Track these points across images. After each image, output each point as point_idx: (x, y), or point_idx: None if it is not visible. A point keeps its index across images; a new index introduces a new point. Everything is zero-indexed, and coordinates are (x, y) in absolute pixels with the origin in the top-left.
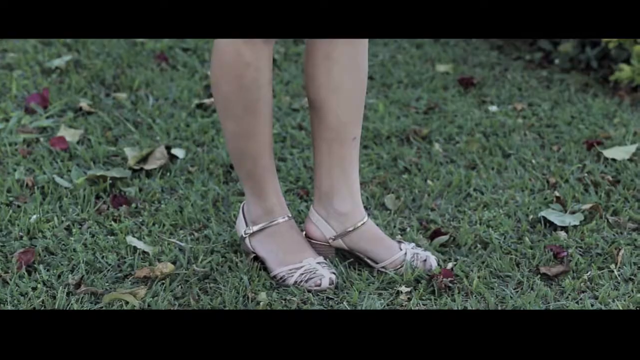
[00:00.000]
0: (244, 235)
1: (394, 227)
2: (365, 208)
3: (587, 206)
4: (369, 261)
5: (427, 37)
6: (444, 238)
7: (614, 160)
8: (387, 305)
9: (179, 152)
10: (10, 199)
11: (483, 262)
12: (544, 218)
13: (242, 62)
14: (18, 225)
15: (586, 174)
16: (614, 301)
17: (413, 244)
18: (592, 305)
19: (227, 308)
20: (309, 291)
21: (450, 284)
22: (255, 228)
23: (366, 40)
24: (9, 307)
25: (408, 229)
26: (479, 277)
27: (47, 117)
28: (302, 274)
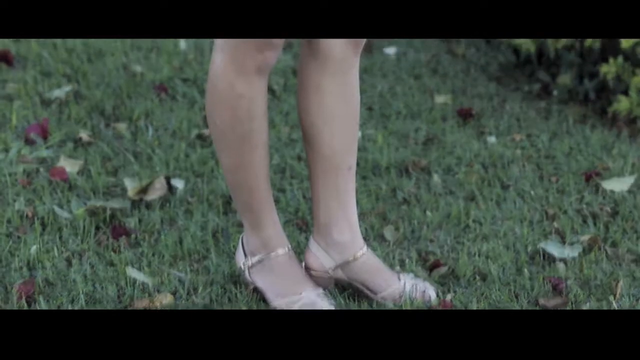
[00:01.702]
0: (242, 267)
1: (393, 258)
2: (364, 239)
3: (585, 238)
4: (368, 292)
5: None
6: (443, 270)
7: (612, 191)
8: None
9: (178, 183)
10: (10, 230)
11: (482, 294)
12: (543, 250)
13: (235, 94)
14: (18, 256)
15: (585, 206)
16: None
17: (412, 275)
18: None
19: None
20: None
21: None
22: (253, 260)
23: (356, 69)
24: None
25: (407, 261)
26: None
27: (47, 148)
28: (301, 305)
